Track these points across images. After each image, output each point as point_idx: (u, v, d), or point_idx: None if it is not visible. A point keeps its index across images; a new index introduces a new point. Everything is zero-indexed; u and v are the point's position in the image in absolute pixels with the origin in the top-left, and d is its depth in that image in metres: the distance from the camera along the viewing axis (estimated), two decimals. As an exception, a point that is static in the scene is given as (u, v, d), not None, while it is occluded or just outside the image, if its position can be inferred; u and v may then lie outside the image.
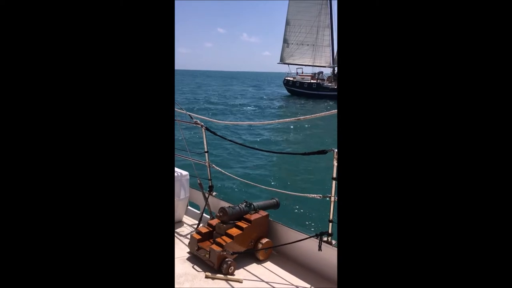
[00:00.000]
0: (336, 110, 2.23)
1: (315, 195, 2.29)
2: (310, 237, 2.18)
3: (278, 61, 33.23)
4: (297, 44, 31.82)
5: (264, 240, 2.33)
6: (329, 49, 31.44)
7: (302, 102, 26.24)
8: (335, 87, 29.20)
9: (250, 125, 15.12)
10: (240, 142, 3.72)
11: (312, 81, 31.20)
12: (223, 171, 3.06)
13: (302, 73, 33.06)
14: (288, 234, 2.36)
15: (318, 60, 31.82)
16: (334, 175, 2.10)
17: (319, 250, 2.12)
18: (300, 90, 31.42)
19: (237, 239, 2.22)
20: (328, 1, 30.13)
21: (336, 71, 31.13)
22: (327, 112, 2.16)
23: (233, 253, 2.16)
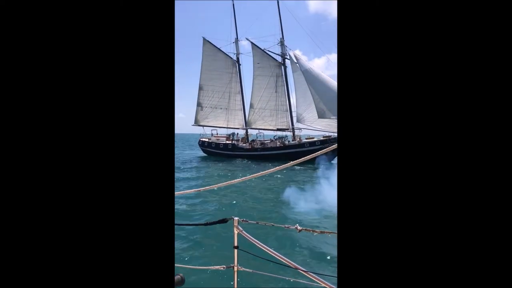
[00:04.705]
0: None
1: (218, 266, 2.23)
2: None
3: (193, 123, 33.82)
4: (211, 107, 33.31)
5: None
6: (241, 113, 33.67)
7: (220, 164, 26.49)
8: (249, 147, 30.79)
9: None
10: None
11: (227, 141, 32.32)
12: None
13: (217, 134, 34.12)
14: None
15: (232, 122, 33.57)
16: (236, 244, 2.11)
17: None
18: (216, 151, 31.99)
19: None
20: (238, 71, 33.20)
21: (248, 132, 33.13)
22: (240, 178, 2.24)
23: None
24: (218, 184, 2.53)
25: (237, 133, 33.56)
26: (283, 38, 30.91)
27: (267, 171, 2.29)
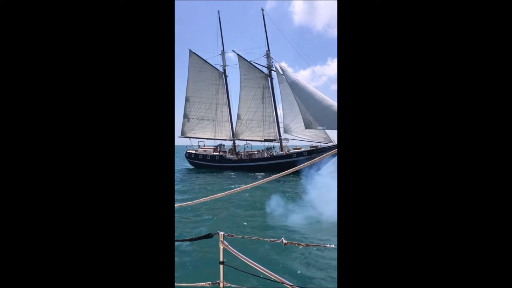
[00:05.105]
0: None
1: (203, 283, 2.18)
2: None
3: (179, 134, 33.60)
4: (198, 119, 33.23)
5: None
6: (228, 124, 33.71)
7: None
8: (237, 158, 30.71)
9: None
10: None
11: (214, 153, 32.18)
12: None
13: (204, 145, 33.97)
14: None
15: (219, 134, 33.54)
16: (221, 259, 2.08)
17: None
18: (204, 163, 31.76)
19: None
20: (224, 82, 33.39)
21: (236, 144, 33.11)
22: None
23: None
24: (204, 198, 2.50)
25: (224, 145, 33.51)
26: (268, 51, 31.41)
27: (256, 182, 2.28)
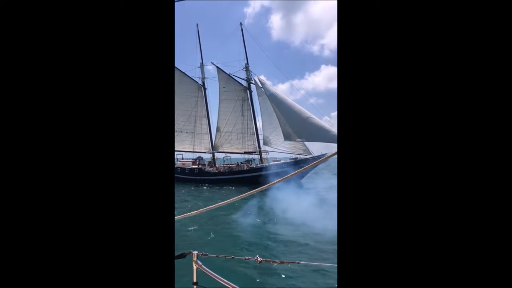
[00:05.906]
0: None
1: (176, 306, 2.10)
2: None
3: (158, 148, 32.93)
4: (176, 131, 32.79)
5: None
6: (207, 137, 33.53)
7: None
8: (216, 171, 30.44)
9: None
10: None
11: (193, 166, 31.74)
12: None
13: (183, 159, 33.46)
14: None
15: (198, 146, 33.22)
16: (195, 280, 2.01)
17: None
18: (182, 176, 31.22)
19: None
20: (203, 95, 33.34)
21: (215, 157, 32.84)
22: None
23: None
24: (178, 216, 2.43)
25: (202, 158, 33.18)
26: (247, 64, 31.82)
27: (232, 199, 2.25)
